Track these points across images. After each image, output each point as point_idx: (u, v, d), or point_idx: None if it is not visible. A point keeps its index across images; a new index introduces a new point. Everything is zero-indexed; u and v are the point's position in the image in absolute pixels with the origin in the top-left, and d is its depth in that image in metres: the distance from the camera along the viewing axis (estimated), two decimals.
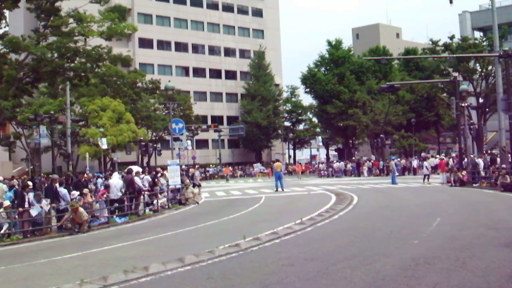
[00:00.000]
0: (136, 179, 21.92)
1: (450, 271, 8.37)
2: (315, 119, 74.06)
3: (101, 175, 27.64)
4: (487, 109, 50.65)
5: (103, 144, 40.73)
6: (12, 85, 25.24)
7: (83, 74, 26.99)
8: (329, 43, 69.82)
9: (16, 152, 54.63)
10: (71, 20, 26.39)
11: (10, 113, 26.21)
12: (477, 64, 50.93)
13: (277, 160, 36.73)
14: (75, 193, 18.99)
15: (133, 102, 54.35)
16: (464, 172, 29.24)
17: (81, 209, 16.82)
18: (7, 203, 16.57)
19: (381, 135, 55.15)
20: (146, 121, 55.09)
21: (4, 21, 25.41)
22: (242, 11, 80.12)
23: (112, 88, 50.35)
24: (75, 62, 26.97)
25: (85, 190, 19.53)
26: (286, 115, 75.94)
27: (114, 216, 19.52)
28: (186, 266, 9.81)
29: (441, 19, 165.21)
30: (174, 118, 31.53)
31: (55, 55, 26.03)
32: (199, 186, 30.86)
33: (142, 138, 50.32)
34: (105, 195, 20.24)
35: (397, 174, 34.56)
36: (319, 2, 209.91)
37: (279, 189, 30.15)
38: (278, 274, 8.77)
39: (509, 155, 28.75)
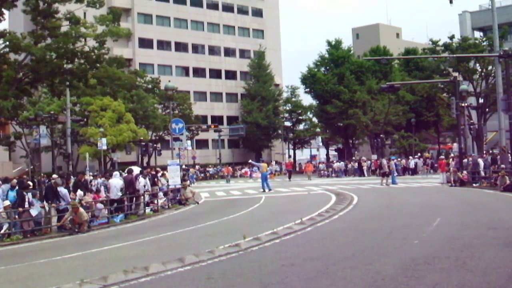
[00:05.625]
0: (141, 180, 21.98)
1: (450, 271, 8.38)
2: (315, 119, 74.07)
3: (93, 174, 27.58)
4: (487, 109, 50.60)
5: (103, 144, 40.79)
6: (12, 85, 25.22)
7: (81, 75, 26.97)
8: (329, 43, 69.86)
9: (16, 151, 54.60)
10: (67, 22, 26.39)
11: (11, 113, 26.16)
12: (477, 64, 50.87)
13: (262, 161, 37.15)
14: (81, 194, 19.05)
15: (132, 102, 54.34)
16: (464, 172, 29.24)
17: (81, 209, 16.84)
18: (7, 203, 16.58)
19: (381, 135, 55.16)
20: (145, 120, 55.07)
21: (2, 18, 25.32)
22: (242, 11, 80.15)
23: (110, 89, 50.37)
24: (74, 63, 26.97)
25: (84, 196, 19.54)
26: (286, 115, 75.95)
27: (114, 216, 19.54)
28: (186, 266, 9.81)
29: (441, 19, 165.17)
30: (174, 118, 31.53)
31: (54, 56, 26.00)
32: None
33: (142, 138, 50.34)
34: (101, 198, 20.28)
35: (396, 174, 34.54)
36: (319, 2, 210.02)
37: (266, 189, 30.37)
38: (278, 274, 8.77)
39: (509, 155, 28.76)
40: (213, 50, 76.85)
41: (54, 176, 21.37)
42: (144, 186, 22.25)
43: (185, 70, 74.02)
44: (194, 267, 9.71)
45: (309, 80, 68.09)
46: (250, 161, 44.11)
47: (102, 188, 22.57)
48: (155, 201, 22.96)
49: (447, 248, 10.33)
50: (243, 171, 61.29)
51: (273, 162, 63.01)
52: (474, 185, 27.90)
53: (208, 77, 75.97)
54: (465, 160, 31.80)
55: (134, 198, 21.06)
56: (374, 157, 52.91)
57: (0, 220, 16.21)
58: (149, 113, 55.27)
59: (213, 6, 77.24)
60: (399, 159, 47.46)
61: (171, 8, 72.95)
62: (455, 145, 61.69)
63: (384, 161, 34.13)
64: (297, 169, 64.72)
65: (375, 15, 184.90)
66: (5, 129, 51.80)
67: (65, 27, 26.85)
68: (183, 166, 43.11)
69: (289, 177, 46.67)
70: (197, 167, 60.17)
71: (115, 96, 50.69)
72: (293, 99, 75.16)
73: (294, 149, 77.28)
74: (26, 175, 42.33)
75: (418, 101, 59.76)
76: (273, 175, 52.52)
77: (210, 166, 64.54)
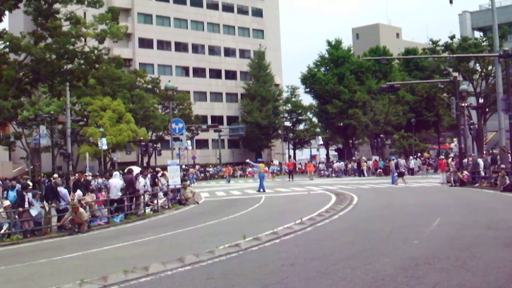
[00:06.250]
0: (141, 180, 21.99)
1: (450, 271, 8.38)
2: (315, 119, 74.11)
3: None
4: (487, 109, 50.60)
5: (103, 144, 40.78)
6: (12, 85, 25.23)
7: (81, 75, 26.99)
8: (329, 43, 69.87)
9: (16, 151, 54.64)
10: (67, 22, 26.41)
11: (11, 113, 26.16)
12: (477, 64, 50.87)
13: (261, 161, 37.12)
14: (80, 194, 19.05)
15: (133, 102, 54.37)
16: (464, 172, 29.24)
17: (81, 209, 16.84)
18: (7, 203, 16.58)
19: (381, 135, 55.14)
20: (145, 120, 55.08)
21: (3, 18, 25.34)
22: (242, 11, 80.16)
23: (110, 89, 50.39)
24: (74, 63, 26.97)
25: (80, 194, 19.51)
26: (286, 115, 75.98)
27: (114, 216, 19.54)
28: (186, 266, 9.81)
29: (441, 19, 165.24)
30: (174, 118, 31.52)
31: (54, 56, 26.00)
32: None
33: (142, 138, 50.34)
34: (101, 198, 20.29)
35: (396, 174, 34.49)
36: (319, 2, 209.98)
37: (261, 189, 30.38)
38: (278, 274, 8.77)
39: (509, 155, 28.76)
40: (213, 50, 76.85)
41: (55, 176, 21.38)
42: (144, 186, 22.25)
43: (185, 70, 74.02)
44: (194, 267, 9.71)
45: (309, 80, 68.09)
46: (248, 160, 44.05)
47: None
48: (155, 201, 22.95)
49: (447, 248, 10.33)
50: (247, 171, 61.38)
51: (277, 162, 63.01)
52: (474, 185, 27.90)
53: (208, 77, 75.98)
54: (465, 160, 31.80)
55: (134, 198, 21.06)
56: (376, 157, 52.87)
57: (0, 220, 16.21)
58: (149, 113, 55.28)
59: (213, 6, 77.25)
60: (399, 159, 47.39)
61: (171, 8, 72.95)
62: (453, 145, 61.71)
63: (401, 161, 34.63)
64: (297, 169, 64.64)
65: (375, 15, 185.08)
66: (5, 129, 51.84)
67: (65, 27, 26.85)
68: (183, 166, 43.06)
69: (291, 177, 46.57)
70: (197, 167, 60.14)
71: (115, 96, 50.70)
72: (293, 99, 75.20)
73: (294, 149, 77.30)
74: (26, 175, 42.37)
75: (418, 101, 59.73)
76: (274, 174, 52.51)
77: (210, 166, 64.53)
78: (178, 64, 73.17)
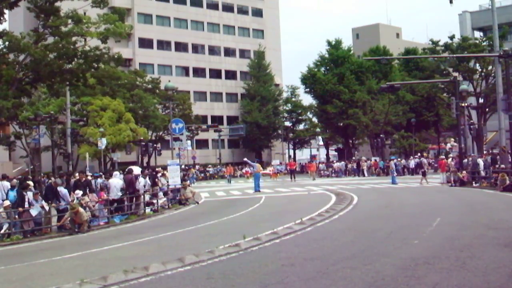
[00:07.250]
0: (141, 180, 21.98)
1: (450, 271, 8.38)
2: (315, 119, 74.13)
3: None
4: (487, 109, 50.62)
5: (102, 144, 40.79)
6: (12, 85, 25.18)
7: (81, 75, 26.91)
8: (329, 43, 69.89)
9: (16, 151, 54.61)
10: (69, 21, 26.32)
11: (11, 113, 26.09)
12: (477, 64, 50.90)
13: (259, 161, 37.09)
14: (79, 193, 19.04)
15: (132, 102, 54.36)
16: (464, 172, 29.24)
17: (81, 209, 16.84)
18: (7, 203, 16.57)
19: (381, 135, 55.16)
20: (145, 120, 55.05)
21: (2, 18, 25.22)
22: (242, 11, 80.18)
23: (110, 89, 50.38)
24: (74, 63, 26.88)
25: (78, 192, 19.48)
26: (286, 115, 76.00)
27: (114, 216, 19.53)
28: (186, 266, 9.81)
29: (441, 19, 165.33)
30: (174, 118, 31.52)
31: (54, 56, 25.93)
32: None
33: (142, 137, 50.32)
34: (102, 197, 20.27)
35: (395, 174, 34.47)
36: (319, 2, 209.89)
37: (258, 189, 30.43)
38: (278, 274, 8.77)
39: (509, 155, 28.76)
40: (213, 50, 76.87)
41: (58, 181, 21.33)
42: (144, 186, 22.24)
43: (185, 70, 74.04)
44: (194, 267, 9.72)
45: (309, 80, 68.11)
46: (245, 159, 43.90)
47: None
48: (155, 201, 22.95)
49: (447, 248, 10.33)
50: (243, 170, 61.31)
51: (278, 161, 62.92)
52: (474, 185, 27.90)
53: (208, 77, 76.00)
54: (465, 160, 31.80)
55: (134, 198, 21.06)
56: (376, 158, 52.86)
57: (0, 220, 16.21)
58: (149, 113, 55.29)
59: (213, 6, 77.26)
60: (399, 159, 47.44)
61: (171, 8, 72.96)
62: (449, 145, 61.67)
63: (425, 160, 35.31)
64: (298, 169, 64.65)
65: (375, 15, 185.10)
66: (5, 129, 51.80)
67: (67, 26, 26.78)
68: (183, 166, 43.01)
69: (292, 177, 46.44)
70: (197, 167, 60.13)
71: (114, 96, 50.68)
72: (293, 99, 75.20)
73: (294, 149, 77.29)
74: (26, 175, 42.36)
75: (418, 101, 59.76)
76: (275, 174, 52.50)
77: (210, 166, 64.51)
78: (178, 64, 73.19)
